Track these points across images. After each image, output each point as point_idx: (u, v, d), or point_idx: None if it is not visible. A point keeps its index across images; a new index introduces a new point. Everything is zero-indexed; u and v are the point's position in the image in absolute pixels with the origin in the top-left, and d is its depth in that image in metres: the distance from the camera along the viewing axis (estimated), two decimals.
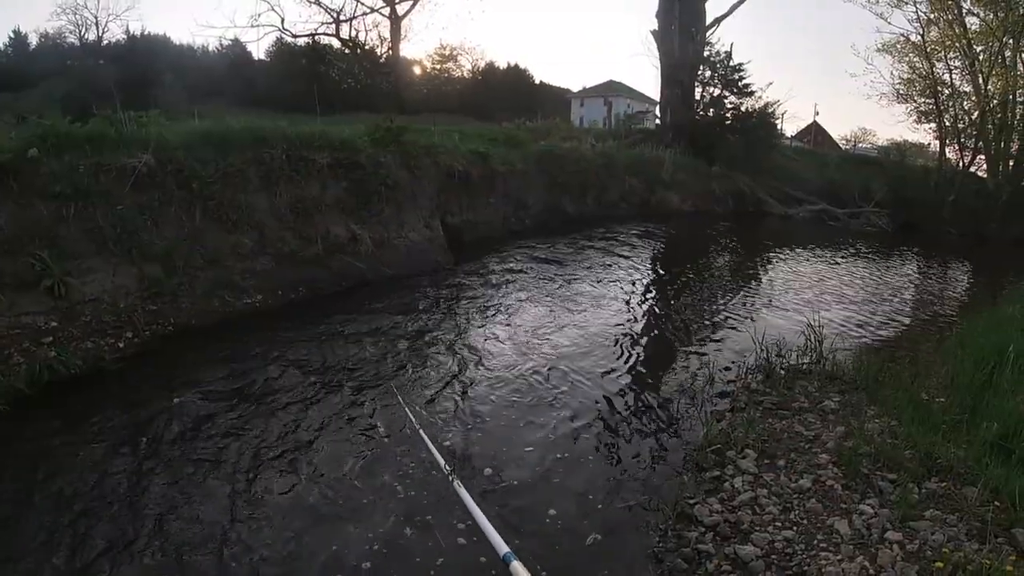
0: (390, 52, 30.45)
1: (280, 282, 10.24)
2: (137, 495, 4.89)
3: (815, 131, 52.31)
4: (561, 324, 9.54)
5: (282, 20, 32.38)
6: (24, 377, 6.77)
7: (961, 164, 29.08)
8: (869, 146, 50.16)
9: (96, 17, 57.14)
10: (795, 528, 4.37)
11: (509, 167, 17.75)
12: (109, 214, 8.67)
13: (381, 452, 5.62)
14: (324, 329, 8.82)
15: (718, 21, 29.28)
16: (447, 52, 51.75)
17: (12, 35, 55.43)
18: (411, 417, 6.09)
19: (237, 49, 50.03)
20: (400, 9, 29.63)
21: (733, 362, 8.14)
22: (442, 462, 4.89)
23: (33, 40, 56.00)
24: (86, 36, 56.95)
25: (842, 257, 17.90)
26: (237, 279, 9.79)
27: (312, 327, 8.87)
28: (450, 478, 4.49)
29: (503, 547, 3.30)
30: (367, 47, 31.64)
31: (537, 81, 60.93)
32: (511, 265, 13.36)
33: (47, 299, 7.74)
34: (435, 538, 4.40)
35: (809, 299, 12.04)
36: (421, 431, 5.67)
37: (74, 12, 56.95)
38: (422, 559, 4.23)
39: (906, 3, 28.33)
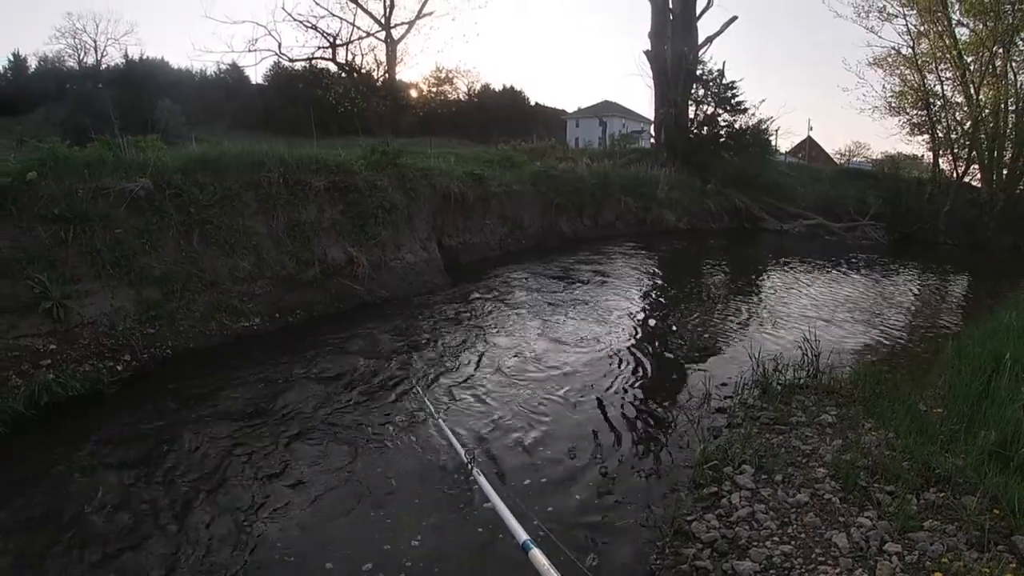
0: (386, 75, 30.59)
1: (278, 305, 10.25)
2: (135, 517, 4.88)
3: (809, 146, 52.63)
4: (557, 343, 9.55)
5: (279, 44, 32.67)
6: (22, 399, 6.78)
7: (955, 174, 29.19)
8: (863, 160, 50.45)
9: (95, 41, 57.99)
10: (793, 543, 4.34)
11: (505, 188, 17.86)
12: (107, 237, 8.70)
13: (393, 454, 5.67)
14: (320, 351, 8.82)
15: (710, 40, 29.66)
16: (443, 75, 52.14)
17: (11, 58, 56.14)
18: (430, 407, 6.18)
19: (235, 73, 50.61)
20: (396, 33, 29.80)
21: (730, 378, 8.09)
22: (462, 452, 4.89)
23: (32, 63, 56.66)
24: (85, 60, 57.63)
25: (838, 271, 17.93)
26: (235, 302, 9.80)
27: (309, 349, 8.88)
28: (469, 466, 4.50)
29: (522, 534, 3.30)
30: (364, 71, 31.82)
31: (533, 103, 61.68)
32: (507, 286, 13.40)
33: (46, 322, 7.75)
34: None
35: (806, 314, 12.04)
36: (442, 422, 5.67)
37: (73, 36, 57.68)
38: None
39: (896, 16, 28.59)
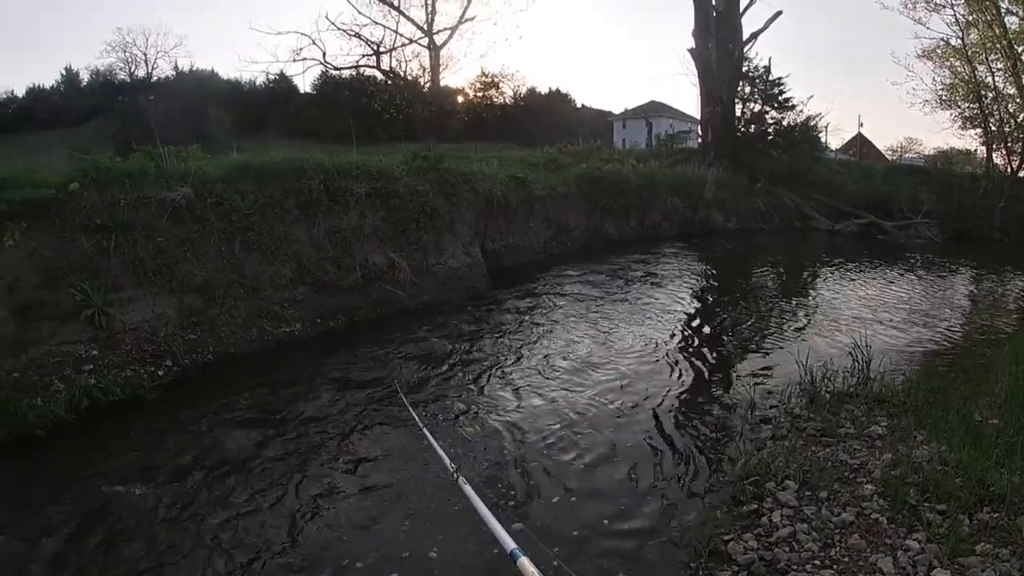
0: (431, 81, 30.83)
1: (319, 311, 10.21)
2: (169, 521, 4.89)
3: (860, 142, 51.18)
4: (599, 349, 9.28)
5: (324, 53, 33.10)
6: (63, 403, 6.88)
7: (1009, 169, 28.17)
8: (915, 155, 48.97)
9: (145, 54, 59.10)
10: (835, 567, 3.99)
11: (549, 191, 17.65)
12: (149, 246, 8.80)
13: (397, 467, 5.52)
14: (361, 357, 8.75)
15: (755, 36, 28.96)
16: (488, 79, 52.08)
17: (64, 72, 57.51)
18: (416, 419, 5.97)
19: (283, 83, 51.15)
20: (438, 39, 30.05)
21: (776, 385, 7.72)
22: (447, 461, 4.78)
23: (84, 77, 57.99)
24: (136, 73, 58.85)
25: (891, 271, 17.22)
26: (276, 308, 9.78)
27: (351, 355, 8.82)
28: (455, 476, 4.39)
29: (510, 543, 3.17)
30: (408, 77, 32.10)
31: (578, 104, 61.05)
32: (551, 290, 13.16)
33: (88, 328, 7.88)
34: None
35: (857, 317, 11.52)
36: (427, 431, 5.54)
37: (123, 50, 58.80)
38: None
39: (943, 6, 27.70)
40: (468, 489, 4.11)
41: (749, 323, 11.07)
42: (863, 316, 11.64)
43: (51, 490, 5.40)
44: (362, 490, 5.37)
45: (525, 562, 2.96)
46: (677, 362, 8.84)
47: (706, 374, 8.51)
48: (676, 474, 5.71)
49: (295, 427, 6.62)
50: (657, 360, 8.81)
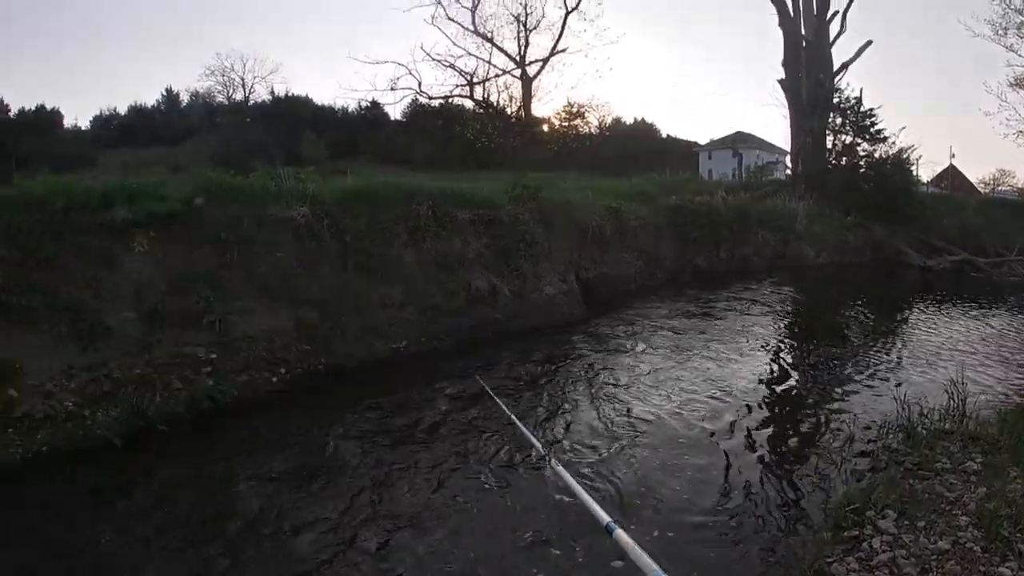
0: (521, 111, 31.38)
1: (424, 330, 10.52)
2: (277, 523, 5.14)
3: (951, 175, 49.51)
4: (692, 378, 9.26)
5: (419, 83, 33.90)
6: (184, 402, 7.41)
7: None
8: (1009, 189, 47.11)
9: (243, 79, 61.90)
10: None
11: (641, 222, 17.68)
12: (269, 260, 9.32)
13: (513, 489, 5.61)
14: (464, 376, 8.96)
15: (845, 67, 28.47)
16: (575, 109, 52.51)
17: (165, 93, 61.18)
18: (503, 408, 6.42)
19: (375, 110, 52.69)
20: (530, 71, 30.61)
21: (874, 421, 7.61)
22: (539, 445, 4.87)
23: (184, 98, 61.25)
24: (233, 96, 61.65)
25: (986, 310, 16.46)
26: (385, 326, 10.14)
27: (454, 373, 9.07)
28: (548, 459, 4.48)
29: (605, 517, 3.26)
30: (499, 107, 32.74)
31: (664, 135, 61.04)
32: (643, 319, 13.15)
33: (209, 334, 8.35)
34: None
35: (952, 355, 11.16)
36: (515, 418, 5.74)
37: (222, 74, 61.85)
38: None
39: None
40: (561, 470, 4.22)
41: (844, 359, 10.85)
42: (958, 354, 11.27)
43: (167, 485, 5.81)
44: (455, 510, 5.45)
45: (621, 534, 3.07)
46: (772, 394, 8.82)
47: (803, 408, 8.42)
48: (777, 500, 5.76)
49: (402, 436, 6.89)
50: (751, 391, 8.76)
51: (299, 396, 8.23)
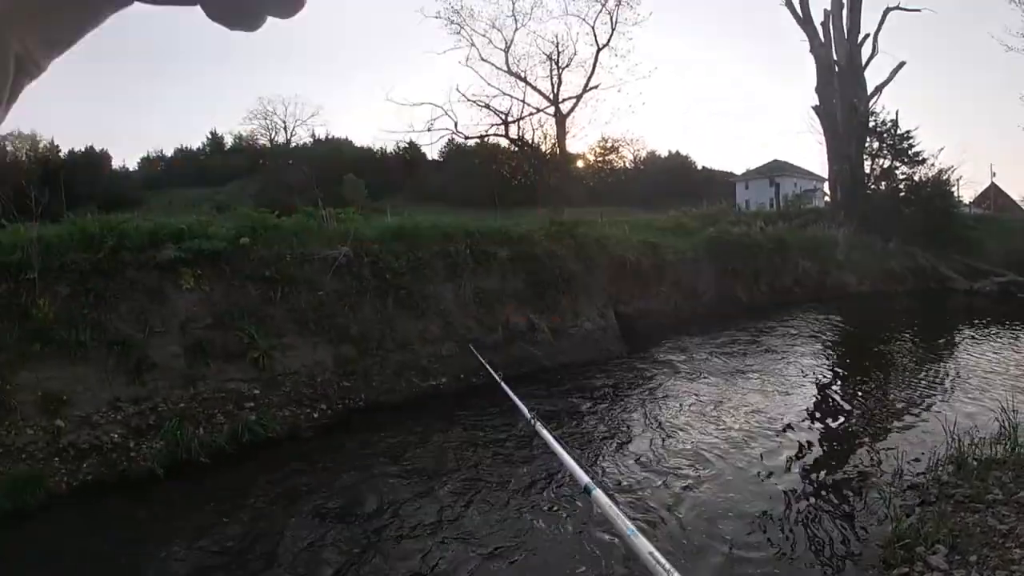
0: (556, 148, 31.66)
1: (463, 366, 10.54)
2: (317, 559, 5.18)
3: (994, 193, 48.31)
4: (735, 412, 9.13)
5: (455, 123, 34.38)
6: (226, 435, 7.59)
7: None
8: None
9: (284, 122, 63.61)
10: None
11: (679, 255, 17.62)
12: (311, 298, 9.47)
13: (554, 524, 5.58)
14: (502, 412, 8.88)
15: (879, 89, 28.37)
16: (609, 144, 52.76)
17: (209, 136, 63.23)
18: (492, 373, 6.40)
19: (412, 151, 53.70)
20: (564, 107, 30.92)
21: (923, 453, 7.37)
22: (525, 411, 4.87)
23: (228, 141, 63.29)
24: (275, 138, 63.34)
25: None
26: (424, 362, 10.22)
27: (492, 409, 9.06)
28: (532, 422, 4.49)
29: (584, 478, 3.27)
30: (534, 145, 33.05)
31: (699, 167, 61.10)
32: (683, 354, 13.03)
33: (252, 369, 8.54)
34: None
35: (1002, 381, 10.85)
36: (503, 384, 5.85)
37: (264, 117, 63.76)
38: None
39: None
40: (544, 432, 4.24)
41: (892, 389, 10.61)
42: (1009, 379, 10.92)
43: (209, 516, 5.91)
44: (492, 545, 5.48)
45: (598, 494, 3.10)
46: (820, 428, 8.66)
47: (849, 441, 8.24)
48: (826, 538, 5.61)
49: (440, 473, 6.94)
50: (793, 427, 8.56)
51: (340, 432, 8.33)
